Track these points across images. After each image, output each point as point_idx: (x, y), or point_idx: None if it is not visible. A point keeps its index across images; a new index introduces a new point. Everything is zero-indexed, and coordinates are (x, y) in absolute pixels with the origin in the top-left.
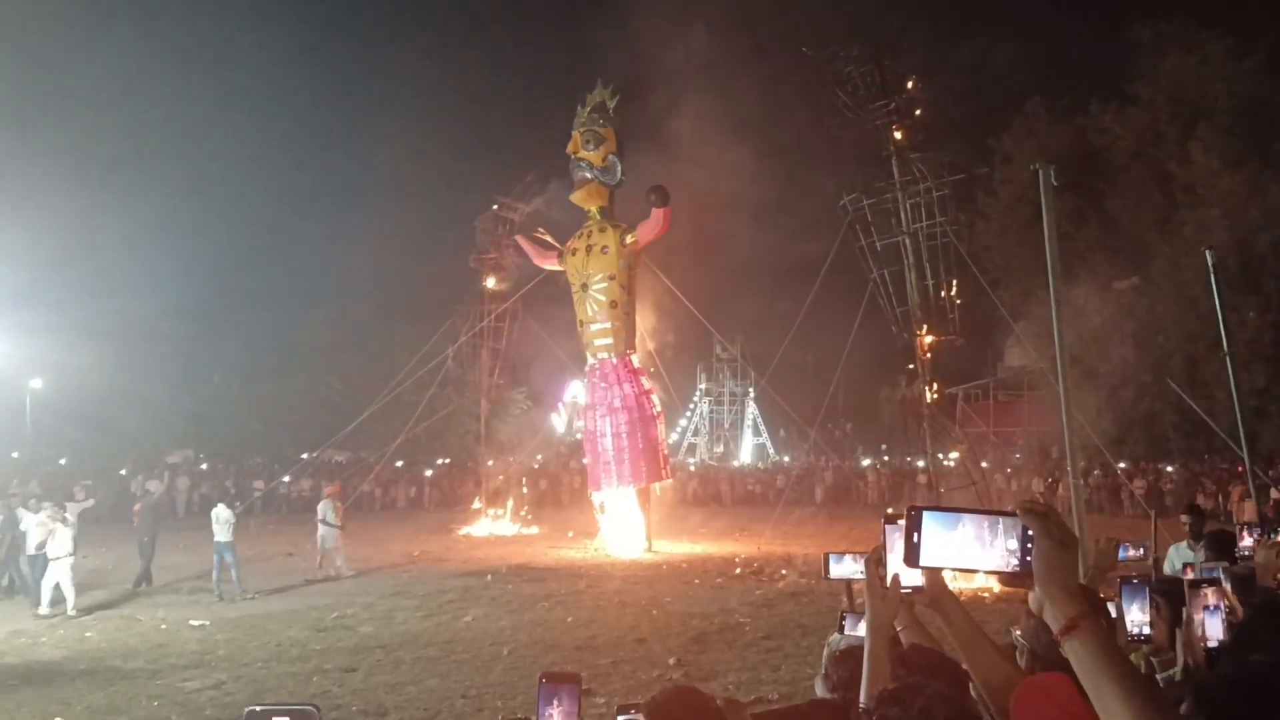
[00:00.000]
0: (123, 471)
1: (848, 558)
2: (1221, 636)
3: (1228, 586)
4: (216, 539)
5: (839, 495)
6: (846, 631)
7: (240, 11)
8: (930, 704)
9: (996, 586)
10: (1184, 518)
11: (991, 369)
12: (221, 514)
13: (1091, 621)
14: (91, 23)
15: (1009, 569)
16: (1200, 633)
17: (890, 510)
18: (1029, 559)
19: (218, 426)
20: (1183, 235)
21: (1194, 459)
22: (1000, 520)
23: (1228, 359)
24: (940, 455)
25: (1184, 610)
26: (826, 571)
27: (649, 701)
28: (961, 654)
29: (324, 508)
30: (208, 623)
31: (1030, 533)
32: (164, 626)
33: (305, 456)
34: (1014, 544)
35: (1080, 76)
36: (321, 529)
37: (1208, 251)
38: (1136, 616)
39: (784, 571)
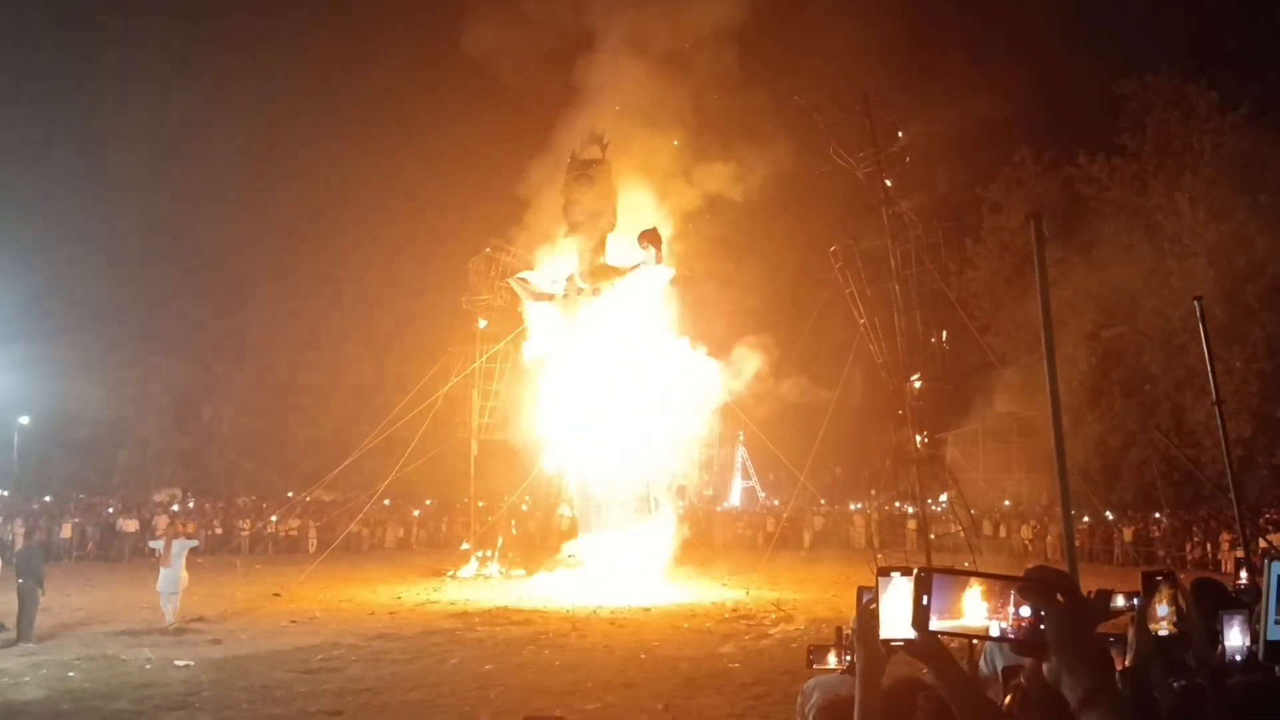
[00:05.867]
0: (110, 509)
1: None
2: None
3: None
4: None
5: (828, 539)
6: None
7: (248, 45)
8: None
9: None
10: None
11: (981, 415)
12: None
13: (1110, 695)
14: (69, 37)
15: (1020, 636)
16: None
17: (881, 560)
18: (1041, 626)
19: (208, 464)
20: (1170, 285)
21: (1182, 507)
22: (1011, 585)
23: (1217, 409)
24: (930, 501)
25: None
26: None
27: None
28: (953, 708)
29: (180, 549)
30: (192, 663)
31: (1046, 602)
32: (148, 666)
33: (291, 495)
34: (1026, 610)
35: (1068, 127)
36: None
37: (1196, 302)
38: None
39: (773, 616)
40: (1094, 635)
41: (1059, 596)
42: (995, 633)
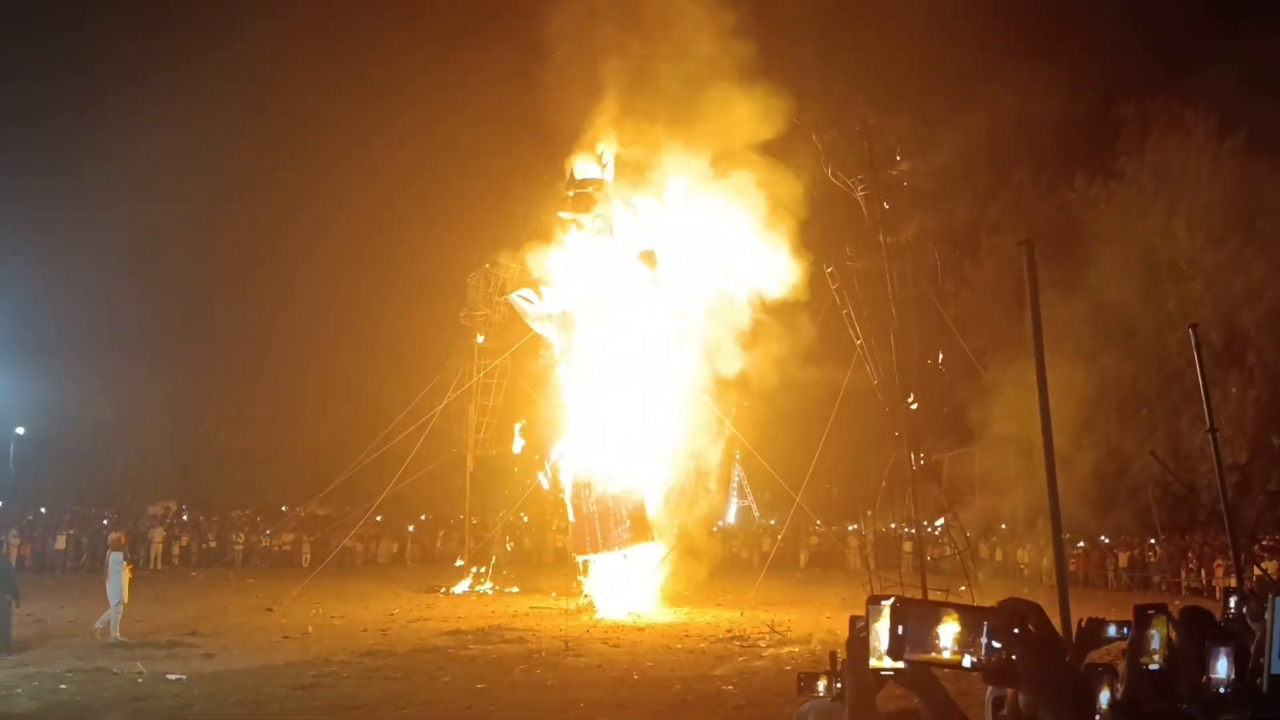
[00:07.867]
0: (104, 521)
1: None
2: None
3: None
4: None
5: (824, 560)
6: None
7: (244, 56)
8: None
9: None
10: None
11: (978, 437)
12: None
13: None
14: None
15: (993, 667)
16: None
17: (875, 584)
18: (1014, 657)
19: (203, 477)
20: (1166, 310)
21: (1177, 533)
22: (984, 616)
23: (1212, 435)
24: (925, 522)
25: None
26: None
27: None
28: None
29: (117, 562)
30: (184, 677)
31: (1015, 633)
32: (140, 680)
33: (285, 509)
34: (998, 642)
35: (1066, 150)
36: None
37: (1191, 330)
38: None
39: (768, 637)
40: (1067, 666)
41: (1030, 628)
42: (968, 664)
